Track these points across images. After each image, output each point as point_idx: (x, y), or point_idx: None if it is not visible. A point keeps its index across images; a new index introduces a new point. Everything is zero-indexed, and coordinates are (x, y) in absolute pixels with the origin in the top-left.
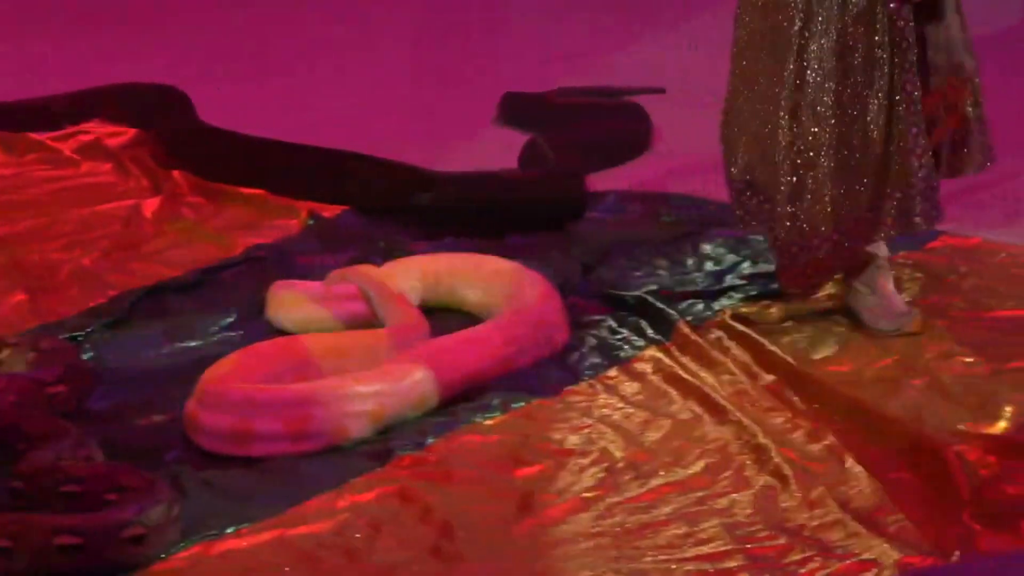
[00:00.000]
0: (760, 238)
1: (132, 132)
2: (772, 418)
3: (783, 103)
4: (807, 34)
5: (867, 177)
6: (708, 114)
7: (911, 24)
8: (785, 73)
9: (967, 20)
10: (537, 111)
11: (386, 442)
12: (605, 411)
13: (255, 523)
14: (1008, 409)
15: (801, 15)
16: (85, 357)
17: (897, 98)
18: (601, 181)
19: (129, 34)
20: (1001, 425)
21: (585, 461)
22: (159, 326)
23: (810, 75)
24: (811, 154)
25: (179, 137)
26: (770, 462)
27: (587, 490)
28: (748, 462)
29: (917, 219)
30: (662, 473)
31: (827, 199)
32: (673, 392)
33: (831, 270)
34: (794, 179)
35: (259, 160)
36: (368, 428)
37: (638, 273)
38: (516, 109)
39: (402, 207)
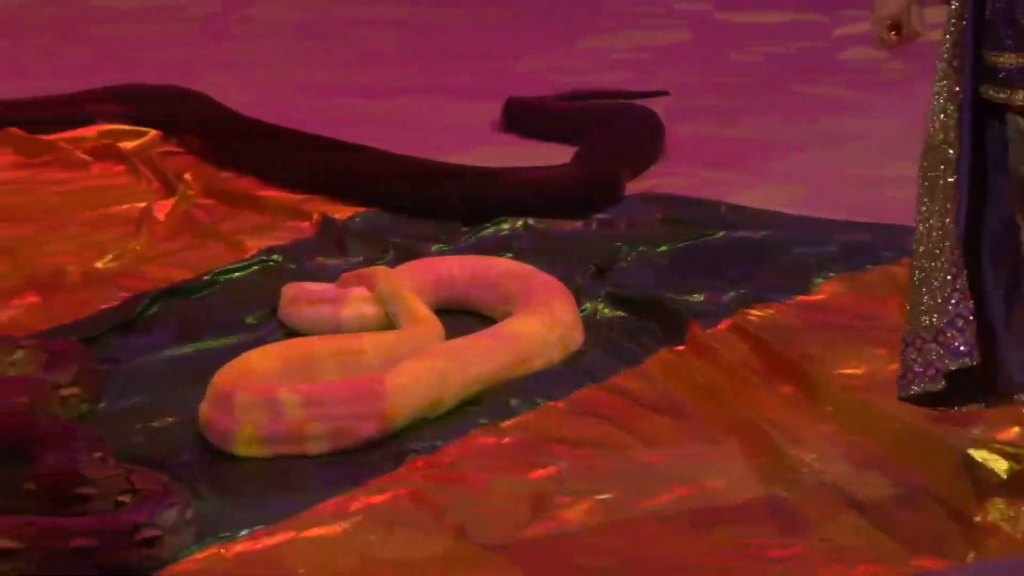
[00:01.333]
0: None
1: (150, 133)
2: (785, 421)
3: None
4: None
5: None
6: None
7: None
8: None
9: None
10: (542, 116)
11: (400, 444)
12: (618, 413)
13: (269, 525)
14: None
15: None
16: (98, 359)
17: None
18: None
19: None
20: (1015, 430)
21: (599, 464)
22: (171, 328)
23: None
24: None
25: (215, 131)
26: (783, 465)
27: (600, 493)
28: (761, 465)
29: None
30: (675, 476)
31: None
32: (685, 394)
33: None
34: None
35: (299, 156)
36: (381, 429)
37: (650, 274)
38: (520, 114)
39: (422, 204)
